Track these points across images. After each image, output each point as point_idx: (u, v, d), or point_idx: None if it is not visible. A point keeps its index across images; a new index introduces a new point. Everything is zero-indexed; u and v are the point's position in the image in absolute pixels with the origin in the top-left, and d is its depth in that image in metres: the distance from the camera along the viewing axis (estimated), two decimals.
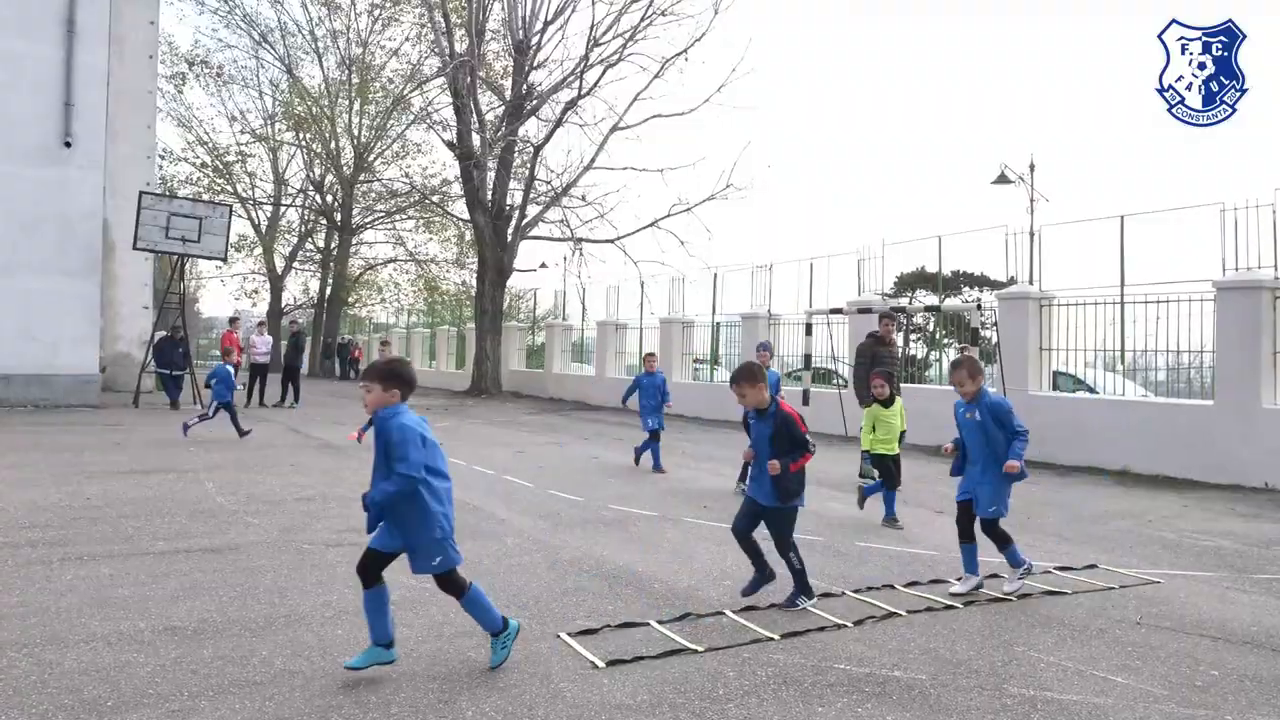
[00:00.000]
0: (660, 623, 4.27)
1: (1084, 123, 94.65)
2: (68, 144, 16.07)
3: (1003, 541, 4.98)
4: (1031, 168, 21.03)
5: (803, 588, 4.62)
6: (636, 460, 10.35)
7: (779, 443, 4.52)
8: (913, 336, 19.30)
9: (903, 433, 7.29)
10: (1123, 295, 11.26)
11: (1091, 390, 12.68)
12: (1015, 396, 11.58)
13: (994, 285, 19.84)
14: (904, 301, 18.03)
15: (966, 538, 5.03)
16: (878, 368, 8.13)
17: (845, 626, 4.30)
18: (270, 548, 5.64)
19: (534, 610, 4.46)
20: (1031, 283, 12.53)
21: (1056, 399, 12.01)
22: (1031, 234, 12.81)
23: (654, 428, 10.22)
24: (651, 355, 11.38)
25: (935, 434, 10.25)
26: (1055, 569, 5.59)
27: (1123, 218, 11.20)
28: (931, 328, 18.03)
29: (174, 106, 36.28)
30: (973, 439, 5.04)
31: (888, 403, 7.21)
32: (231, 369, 11.99)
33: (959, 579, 5.07)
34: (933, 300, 17.30)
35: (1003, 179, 20.77)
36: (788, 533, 4.59)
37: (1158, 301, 10.91)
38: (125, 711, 3.13)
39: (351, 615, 4.27)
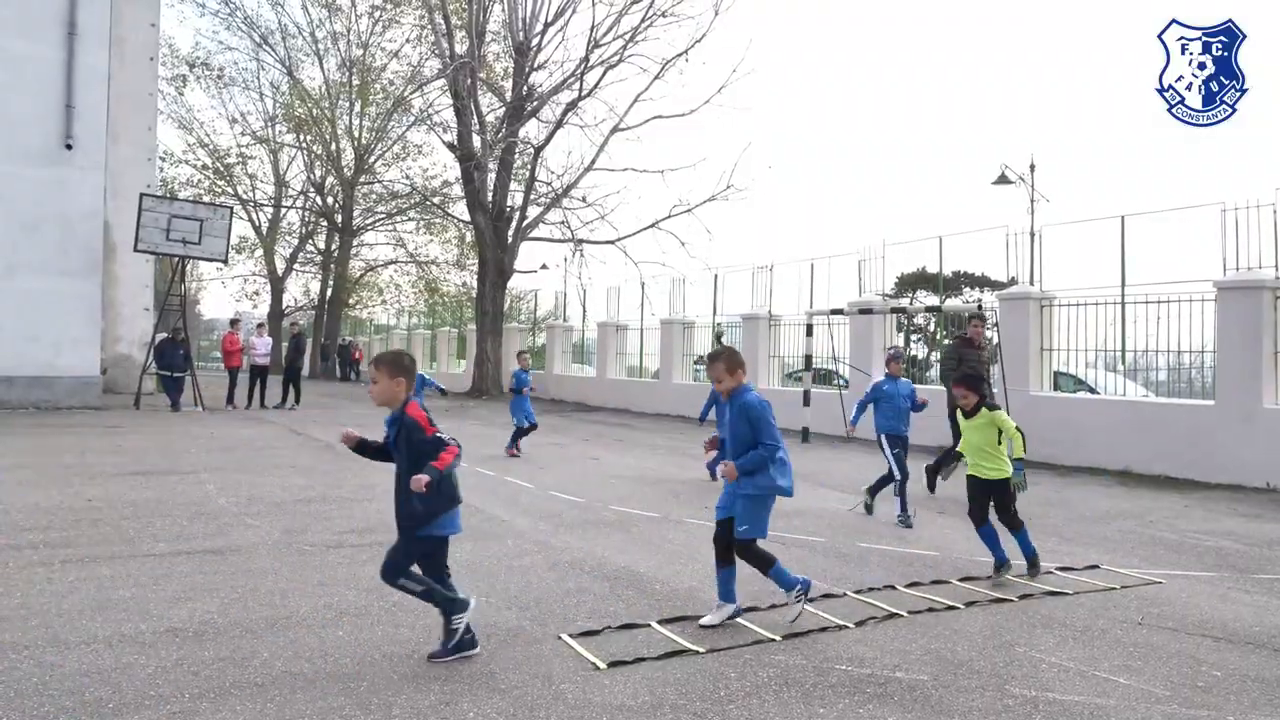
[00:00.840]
0: (661, 623, 4.27)
1: (1084, 123, 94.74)
2: (69, 145, 16.09)
3: (764, 563, 4.28)
4: (1032, 168, 21.04)
5: (448, 621, 3.70)
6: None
7: (407, 452, 3.70)
8: (913, 337, 19.29)
9: (1019, 459, 5.53)
10: (1123, 295, 11.26)
11: (1092, 390, 12.67)
12: (1016, 397, 11.59)
13: (995, 286, 19.85)
14: (905, 302, 18.03)
15: (723, 560, 4.33)
16: (962, 372, 6.78)
17: (847, 627, 4.30)
18: (271, 549, 5.64)
19: (535, 611, 4.45)
20: (1032, 283, 12.53)
21: (1057, 399, 12.01)
22: (1032, 234, 12.81)
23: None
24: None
25: (936, 435, 10.25)
26: (1057, 569, 5.59)
27: (1123, 218, 11.20)
28: (932, 328, 18.03)
29: (175, 108, 36.37)
30: (729, 444, 4.37)
31: (972, 413, 5.56)
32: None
33: (715, 608, 4.34)
34: (934, 301, 17.30)
35: (1003, 179, 20.78)
36: (404, 562, 3.70)
37: (1158, 302, 10.90)
38: (126, 713, 3.13)
39: (353, 617, 4.28)
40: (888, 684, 3.58)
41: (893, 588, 5.07)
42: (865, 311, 14.51)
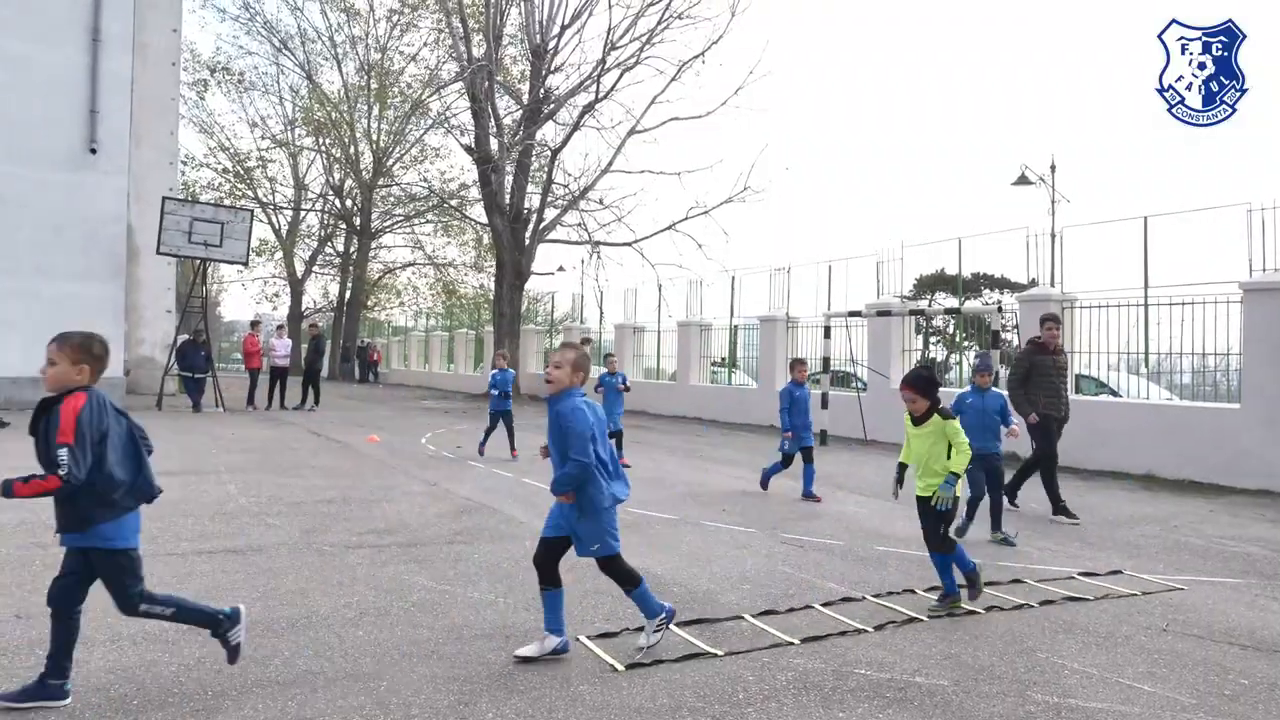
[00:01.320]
0: (678, 626, 4.26)
1: (1088, 124, 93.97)
2: (93, 150, 16.31)
3: (629, 582, 3.89)
4: (1053, 168, 20.85)
5: (227, 647, 3.40)
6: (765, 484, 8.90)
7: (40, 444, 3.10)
8: (932, 339, 19.16)
9: (952, 475, 4.68)
10: (1146, 297, 11.13)
11: (1115, 393, 12.53)
12: None
13: (1015, 287, 19.67)
14: (923, 304, 17.92)
15: (548, 581, 3.85)
16: (914, 372, 6.14)
17: (866, 631, 4.27)
18: (291, 549, 5.68)
19: None
20: (1053, 285, 12.41)
21: (1079, 402, 11.81)
22: (1053, 235, 12.70)
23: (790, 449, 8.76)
24: (801, 362, 9.13)
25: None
26: (1079, 574, 5.53)
27: (1146, 219, 11.08)
28: (951, 330, 17.91)
29: (196, 113, 36.81)
30: (555, 456, 3.89)
31: (921, 420, 4.85)
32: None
33: (540, 639, 3.82)
34: (953, 303, 17.18)
35: (1023, 180, 20.60)
36: (119, 582, 3.22)
37: (1183, 303, 10.77)
38: (150, 710, 3.16)
39: (373, 617, 4.30)
40: (907, 689, 3.55)
41: (912, 591, 5.03)
42: (883, 313, 14.43)
